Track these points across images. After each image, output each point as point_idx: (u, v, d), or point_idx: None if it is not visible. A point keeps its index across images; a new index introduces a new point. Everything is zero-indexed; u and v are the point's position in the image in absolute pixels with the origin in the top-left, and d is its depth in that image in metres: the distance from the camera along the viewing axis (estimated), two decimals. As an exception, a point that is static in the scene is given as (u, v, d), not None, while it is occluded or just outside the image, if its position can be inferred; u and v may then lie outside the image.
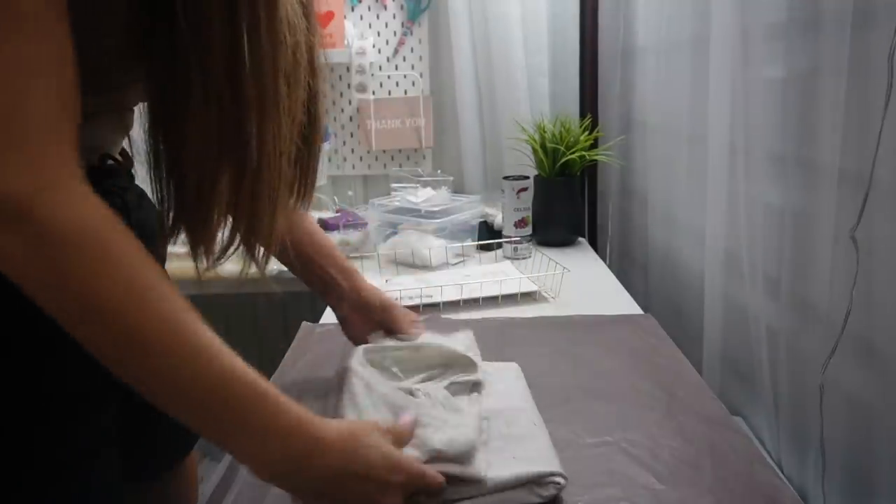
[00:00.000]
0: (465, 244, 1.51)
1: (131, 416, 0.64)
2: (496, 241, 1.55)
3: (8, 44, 0.44)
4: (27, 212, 0.44)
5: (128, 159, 0.69)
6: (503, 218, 1.55)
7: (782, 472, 0.93)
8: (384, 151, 2.07)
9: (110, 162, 0.64)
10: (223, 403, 0.50)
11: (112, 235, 0.47)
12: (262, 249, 0.64)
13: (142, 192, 0.67)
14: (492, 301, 1.22)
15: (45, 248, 0.44)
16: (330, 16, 1.91)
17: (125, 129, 0.67)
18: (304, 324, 1.09)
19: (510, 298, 1.23)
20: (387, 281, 1.34)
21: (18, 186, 0.44)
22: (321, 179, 1.99)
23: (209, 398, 0.50)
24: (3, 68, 0.44)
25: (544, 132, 1.61)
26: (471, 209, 1.59)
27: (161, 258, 0.68)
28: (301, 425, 0.54)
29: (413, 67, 2.01)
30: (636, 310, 1.18)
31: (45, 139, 0.45)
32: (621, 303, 1.23)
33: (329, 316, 1.19)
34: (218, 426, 0.51)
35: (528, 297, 1.24)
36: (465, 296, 1.20)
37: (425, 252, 1.42)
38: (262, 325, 2.15)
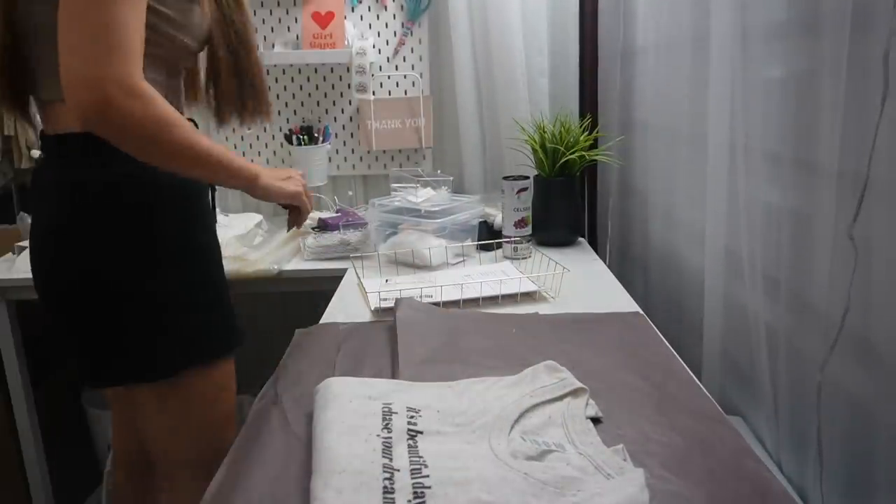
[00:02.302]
0: (465, 244, 1.51)
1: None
2: (496, 241, 1.55)
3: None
4: (139, 87, 0.83)
5: None
6: (503, 218, 1.55)
7: (782, 471, 0.93)
8: (384, 151, 2.07)
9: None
10: (226, 168, 0.99)
11: (165, 100, 0.87)
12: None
13: None
14: (492, 301, 1.22)
15: (150, 107, 0.84)
16: (330, 16, 1.92)
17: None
18: (298, 331, 1.10)
19: (510, 298, 1.23)
20: (387, 281, 1.34)
21: (135, 75, 0.82)
22: (321, 179, 1.99)
23: (220, 167, 0.97)
24: (119, 2, 0.81)
25: (544, 132, 1.61)
26: (471, 209, 1.59)
27: None
28: (255, 168, 1.07)
29: (413, 67, 2.01)
30: (635, 309, 1.18)
31: (138, 53, 0.83)
32: (621, 303, 1.23)
33: (329, 316, 1.20)
34: (225, 178, 1.00)
35: (527, 296, 1.24)
36: (465, 296, 1.21)
37: (425, 252, 1.43)
38: (262, 324, 2.16)
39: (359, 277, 1.35)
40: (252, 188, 1.06)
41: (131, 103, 0.81)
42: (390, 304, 1.17)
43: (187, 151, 0.90)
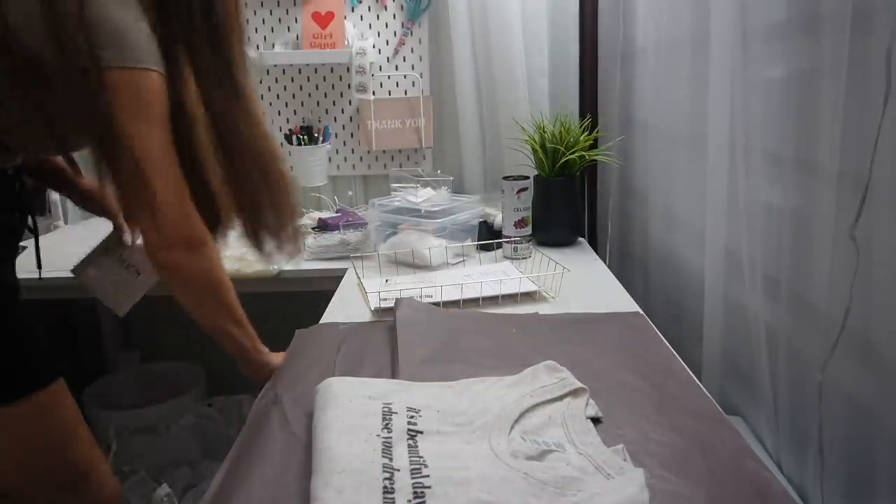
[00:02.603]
0: (465, 244, 1.51)
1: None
2: (496, 241, 1.55)
3: (163, 134, 0.89)
4: (207, 243, 0.94)
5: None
6: (503, 218, 1.55)
7: (782, 471, 0.93)
8: (384, 151, 2.07)
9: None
10: (242, 348, 1.03)
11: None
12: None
13: None
14: (492, 301, 1.22)
15: (210, 264, 0.95)
16: (330, 16, 1.92)
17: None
18: (298, 331, 1.09)
19: (510, 298, 1.23)
20: (387, 281, 1.34)
21: (201, 229, 0.93)
22: (321, 179, 1.99)
23: (237, 344, 1.02)
24: (163, 157, 0.89)
25: (544, 132, 1.61)
26: (471, 209, 1.59)
27: None
28: (266, 356, 1.05)
29: (413, 67, 2.01)
30: (635, 309, 1.18)
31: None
32: (621, 303, 1.23)
33: (328, 316, 1.20)
34: (244, 338, 1.03)
35: (527, 296, 1.24)
36: (465, 296, 1.21)
37: (425, 252, 1.42)
38: (262, 325, 2.15)
39: (359, 277, 1.35)
40: (247, 360, 1.03)
41: (196, 255, 0.93)
42: (390, 304, 1.16)
43: (221, 309, 0.99)
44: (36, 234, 1.20)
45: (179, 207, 0.90)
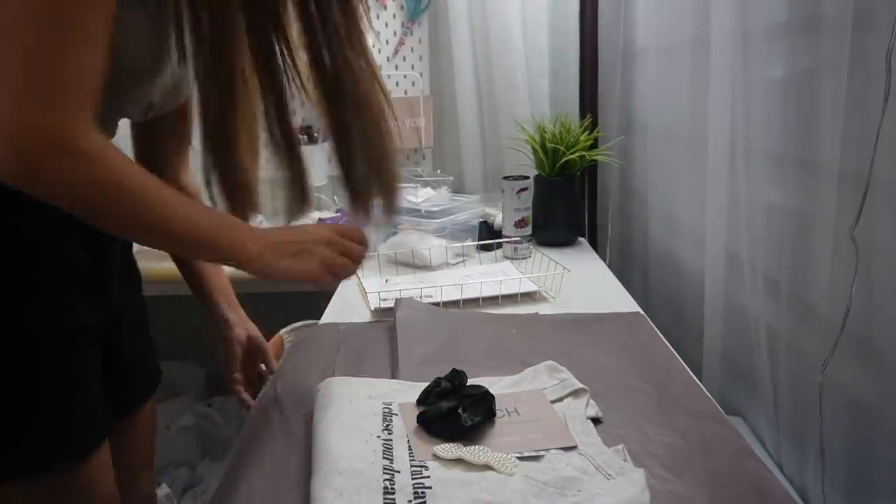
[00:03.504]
0: (465, 244, 1.51)
1: (111, 359, 0.81)
2: (496, 241, 1.55)
3: (82, 10, 0.59)
4: (78, 144, 0.60)
5: None
6: (503, 218, 1.55)
7: (782, 471, 0.93)
8: (384, 151, 2.07)
9: None
10: (213, 252, 0.76)
11: (124, 161, 0.65)
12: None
13: None
14: (492, 301, 1.22)
15: (92, 170, 0.61)
16: (330, 16, 1.91)
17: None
18: (298, 330, 1.09)
19: (510, 298, 1.23)
20: (387, 281, 1.34)
21: (77, 127, 0.60)
22: (321, 179, 1.99)
23: (207, 251, 0.76)
24: (67, 29, 0.59)
25: (544, 132, 1.61)
26: (471, 209, 1.59)
27: None
28: (253, 245, 0.76)
29: (413, 67, 2.01)
30: (635, 309, 1.17)
31: (89, 98, 0.61)
32: (621, 303, 1.23)
33: (328, 317, 1.19)
34: (214, 250, 0.75)
35: (527, 296, 1.24)
36: (465, 296, 1.20)
37: (425, 252, 1.42)
38: (262, 325, 2.15)
39: (359, 277, 1.35)
40: (247, 268, 0.77)
41: (65, 164, 0.60)
42: (390, 304, 1.16)
43: (151, 227, 0.68)
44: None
45: (45, 89, 0.58)
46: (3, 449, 0.70)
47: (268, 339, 1.09)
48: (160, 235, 0.69)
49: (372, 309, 1.20)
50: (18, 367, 0.70)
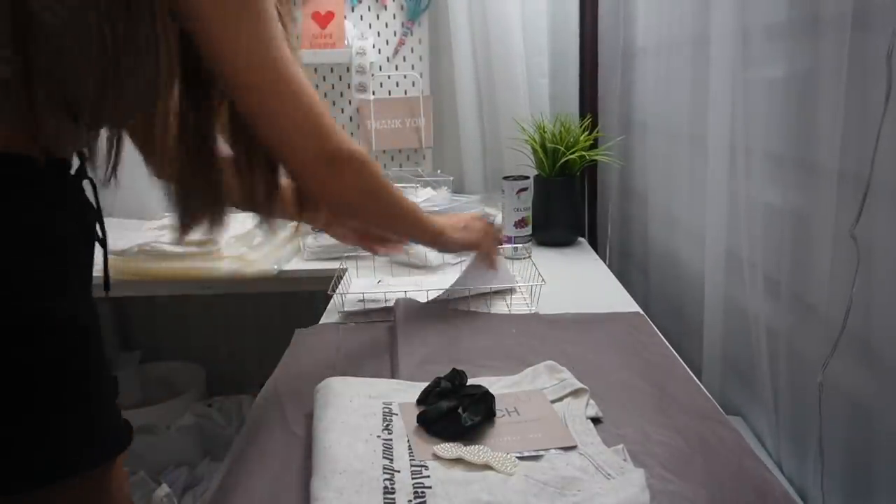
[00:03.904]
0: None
1: (79, 404, 0.68)
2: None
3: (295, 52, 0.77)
4: (356, 155, 0.86)
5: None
6: (503, 218, 1.55)
7: (782, 471, 0.93)
8: (384, 151, 2.07)
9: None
10: (418, 227, 1.01)
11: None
12: None
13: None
14: (482, 304, 1.21)
15: (365, 172, 0.87)
16: (330, 16, 1.92)
17: None
18: (298, 330, 1.09)
19: (501, 301, 1.23)
20: (379, 282, 1.34)
21: (349, 143, 0.85)
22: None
23: (413, 226, 1.01)
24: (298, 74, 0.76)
25: (544, 132, 1.61)
26: (471, 209, 1.59)
27: None
28: (439, 224, 1.06)
29: (413, 67, 2.01)
30: (635, 309, 1.17)
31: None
32: (621, 303, 1.23)
33: (328, 316, 1.19)
34: (416, 235, 1.05)
35: (517, 299, 1.24)
36: (452, 296, 1.19)
37: (421, 252, 1.42)
38: (262, 325, 2.15)
39: (337, 280, 1.26)
40: (435, 243, 1.09)
41: (360, 169, 0.86)
42: (360, 307, 1.16)
43: (395, 215, 0.95)
44: (105, 247, 0.81)
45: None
46: (70, 443, 0.67)
47: (270, 339, 1.08)
48: (397, 221, 0.98)
49: (339, 311, 1.18)
50: (72, 355, 0.67)
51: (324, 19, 1.92)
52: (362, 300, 1.18)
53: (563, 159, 1.57)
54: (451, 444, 0.69)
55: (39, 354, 0.64)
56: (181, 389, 2.05)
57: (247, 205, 0.88)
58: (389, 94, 2.02)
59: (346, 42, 1.92)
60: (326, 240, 1.64)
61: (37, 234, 0.65)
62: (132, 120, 0.78)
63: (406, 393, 0.80)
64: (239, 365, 2.17)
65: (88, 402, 0.69)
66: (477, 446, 0.69)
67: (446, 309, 1.16)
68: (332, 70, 2.03)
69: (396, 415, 0.75)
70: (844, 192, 0.74)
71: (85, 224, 0.74)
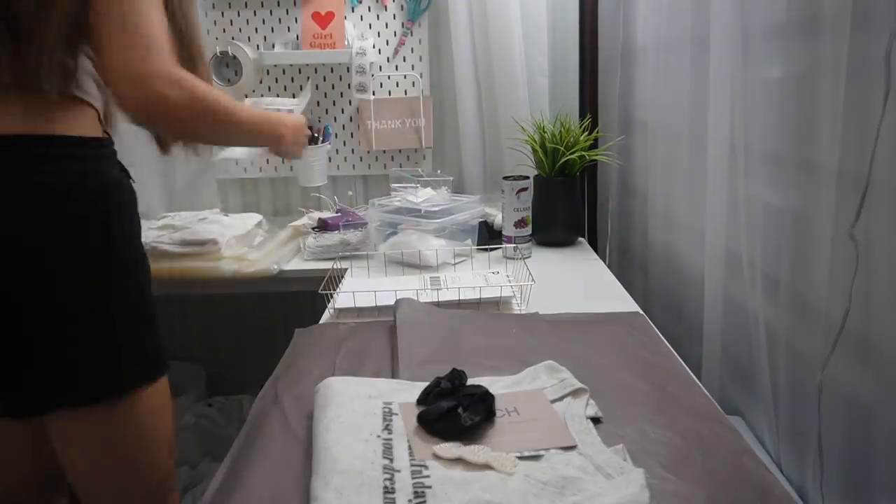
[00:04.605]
0: (464, 245, 1.51)
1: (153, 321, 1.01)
2: (495, 246, 1.55)
3: None
4: (178, 78, 0.90)
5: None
6: (503, 218, 1.55)
7: (782, 471, 0.93)
8: (384, 151, 2.07)
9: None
10: (258, 130, 1.17)
11: (200, 81, 0.95)
12: None
13: None
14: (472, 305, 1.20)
15: (191, 93, 0.91)
16: (330, 16, 1.92)
17: None
18: (298, 330, 1.09)
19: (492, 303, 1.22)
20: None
21: (173, 67, 0.90)
22: (322, 180, 1.99)
23: (252, 133, 1.16)
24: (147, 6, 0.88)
25: (544, 132, 1.61)
26: (471, 209, 1.59)
27: None
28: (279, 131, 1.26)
29: (413, 67, 2.01)
30: (635, 309, 1.18)
31: (169, 47, 0.91)
32: (621, 303, 1.23)
33: (327, 317, 1.19)
34: (255, 138, 1.21)
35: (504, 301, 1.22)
36: (442, 298, 1.19)
37: (426, 252, 1.42)
38: (262, 325, 2.16)
39: (330, 279, 1.28)
40: (280, 150, 1.29)
41: (179, 93, 0.89)
42: (350, 305, 1.17)
43: (231, 127, 1.03)
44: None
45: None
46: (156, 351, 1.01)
47: (270, 339, 1.08)
48: (235, 134, 1.10)
49: (329, 309, 1.19)
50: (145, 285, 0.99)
51: (324, 19, 1.92)
52: (353, 300, 1.18)
53: (563, 159, 1.57)
54: (451, 444, 0.69)
55: (146, 278, 1.00)
56: (181, 389, 2.05)
57: None
58: (389, 94, 2.02)
59: (346, 42, 1.92)
60: (326, 240, 1.65)
61: (131, 191, 0.98)
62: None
63: (406, 393, 0.80)
64: (239, 365, 2.17)
65: (155, 321, 1.01)
66: (477, 446, 0.69)
67: (447, 309, 1.16)
68: (332, 70, 2.03)
69: (396, 415, 0.75)
70: (843, 192, 0.74)
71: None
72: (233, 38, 1.96)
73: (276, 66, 2.01)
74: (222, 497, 0.67)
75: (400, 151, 2.07)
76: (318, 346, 1.03)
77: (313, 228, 1.73)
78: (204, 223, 1.64)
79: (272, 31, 2.00)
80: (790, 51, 0.89)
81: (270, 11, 1.98)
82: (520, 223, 1.52)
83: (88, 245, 0.90)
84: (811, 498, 0.84)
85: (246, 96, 1.95)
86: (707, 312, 1.14)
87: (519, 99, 1.88)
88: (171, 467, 1.05)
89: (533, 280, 1.20)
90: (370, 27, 1.99)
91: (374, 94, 2.00)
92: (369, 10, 1.98)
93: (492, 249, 1.51)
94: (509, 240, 1.52)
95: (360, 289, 1.22)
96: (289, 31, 1.99)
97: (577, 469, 0.66)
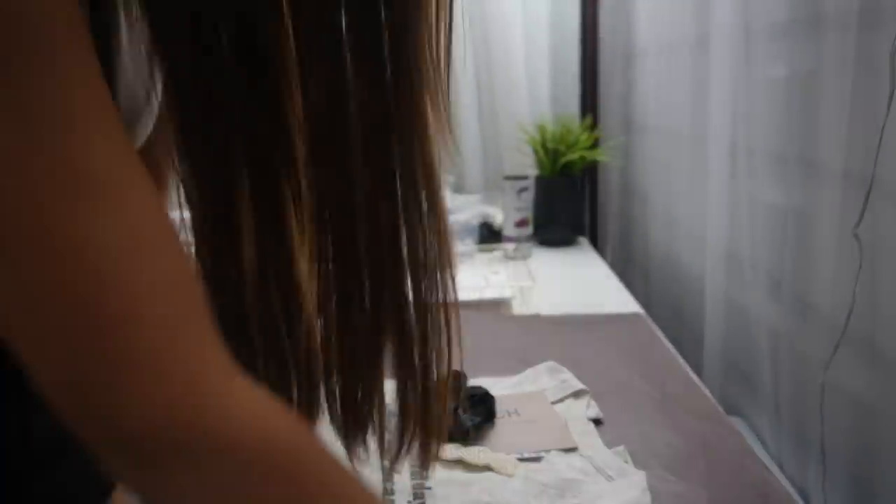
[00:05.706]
0: (464, 245, 1.50)
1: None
2: (495, 246, 1.54)
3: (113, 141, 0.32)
4: (193, 433, 0.29)
5: None
6: (503, 218, 1.54)
7: (783, 472, 0.93)
8: (384, 151, 2.06)
9: None
10: None
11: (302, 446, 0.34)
12: None
13: None
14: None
15: (229, 478, 0.30)
16: (330, 15, 1.91)
17: None
18: None
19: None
20: None
21: (170, 401, 0.29)
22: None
23: None
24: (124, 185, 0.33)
25: (545, 132, 1.61)
26: (471, 209, 1.58)
27: None
28: None
29: (413, 67, 2.00)
30: (636, 309, 1.17)
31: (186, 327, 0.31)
32: (622, 303, 1.22)
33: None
34: None
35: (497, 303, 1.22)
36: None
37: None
38: (261, 325, 2.15)
39: None
40: None
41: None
42: None
43: None
44: None
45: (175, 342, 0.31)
46: None
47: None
48: None
49: None
50: None
51: (324, 19, 1.91)
52: None
53: (564, 159, 1.57)
54: (451, 445, 0.69)
55: None
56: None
57: None
58: (389, 93, 2.02)
59: (346, 41, 1.92)
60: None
61: None
62: None
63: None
64: (238, 365, 2.16)
65: None
66: (477, 447, 0.69)
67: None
68: (332, 70, 2.02)
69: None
70: (847, 192, 0.74)
71: None
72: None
73: (275, 65, 2.00)
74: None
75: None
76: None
77: (313, 228, 1.73)
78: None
79: (272, 30, 1.99)
80: (793, 50, 0.88)
81: (270, 11, 1.98)
82: (520, 223, 1.52)
83: None
84: (813, 499, 0.84)
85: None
86: (708, 312, 1.14)
87: (519, 99, 1.87)
88: None
89: (533, 280, 1.20)
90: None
91: (374, 93, 1.99)
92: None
93: (492, 249, 1.51)
94: (510, 240, 1.52)
95: None
96: (289, 30, 1.99)
97: (577, 471, 0.66)
